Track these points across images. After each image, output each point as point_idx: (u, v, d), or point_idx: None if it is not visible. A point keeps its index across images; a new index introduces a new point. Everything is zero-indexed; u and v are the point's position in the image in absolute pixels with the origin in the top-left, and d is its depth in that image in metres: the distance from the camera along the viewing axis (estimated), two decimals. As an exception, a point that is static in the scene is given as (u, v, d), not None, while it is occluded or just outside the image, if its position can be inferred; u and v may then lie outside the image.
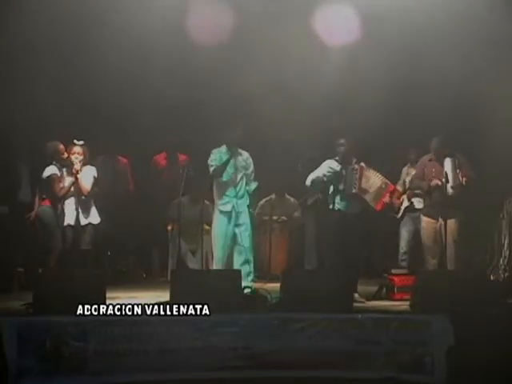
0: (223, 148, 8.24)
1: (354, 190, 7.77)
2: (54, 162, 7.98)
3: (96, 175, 8.13)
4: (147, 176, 10.04)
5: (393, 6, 8.54)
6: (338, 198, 7.77)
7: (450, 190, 7.91)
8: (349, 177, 7.81)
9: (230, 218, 8.18)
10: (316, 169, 7.98)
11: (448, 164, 8.08)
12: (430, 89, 8.96)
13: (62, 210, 7.94)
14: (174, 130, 9.95)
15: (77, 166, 7.92)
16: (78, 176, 7.94)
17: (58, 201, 7.95)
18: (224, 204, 8.20)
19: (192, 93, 9.51)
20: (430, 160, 8.26)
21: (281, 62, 9.06)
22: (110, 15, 8.39)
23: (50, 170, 7.95)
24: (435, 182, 8.05)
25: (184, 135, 9.90)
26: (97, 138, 8.86)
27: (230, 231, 8.18)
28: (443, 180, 7.87)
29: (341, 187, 7.79)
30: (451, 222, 7.95)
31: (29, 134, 8.76)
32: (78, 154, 7.99)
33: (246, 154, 8.32)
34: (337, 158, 7.95)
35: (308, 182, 8.01)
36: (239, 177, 8.22)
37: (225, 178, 8.18)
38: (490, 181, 8.62)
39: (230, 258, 8.20)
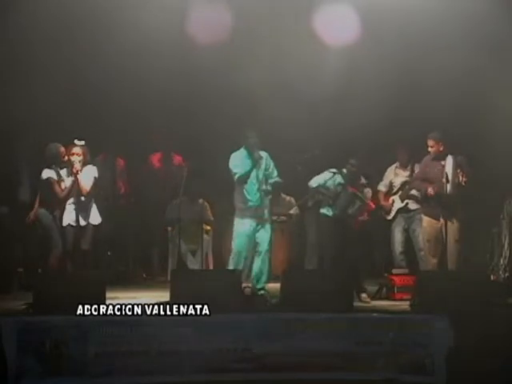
0: (243, 152, 8.17)
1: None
2: (52, 166, 7.93)
3: (96, 175, 8.10)
4: (143, 176, 10.03)
5: (393, 6, 8.54)
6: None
7: (450, 190, 7.91)
8: (343, 199, 7.98)
9: (251, 220, 8.10)
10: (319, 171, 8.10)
11: (449, 163, 8.07)
12: (431, 89, 8.95)
13: (63, 210, 7.93)
14: (173, 130, 9.94)
15: (77, 166, 7.90)
16: (78, 176, 7.93)
17: (55, 203, 7.92)
18: (246, 206, 8.13)
19: (192, 93, 9.51)
20: (433, 159, 8.26)
21: (281, 62, 9.05)
22: (109, 15, 8.39)
23: (47, 174, 7.90)
24: (432, 189, 8.07)
25: (184, 135, 9.89)
26: (96, 138, 8.84)
27: (250, 233, 8.10)
28: (444, 180, 7.87)
29: (331, 203, 8.02)
30: (451, 222, 7.95)
31: (29, 134, 8.75)
32: (77, 154, 7.96)
33: (264, 154, 8.21)
34: (343, 171, 8.12)
35: (312, 184, 8.18)
36: (261, 179, 8.14)
37: (248, 180, 8.12)
38: (490, 181, 8.62)
39: (247, 261, 8.16)
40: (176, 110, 9.71)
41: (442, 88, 8.93)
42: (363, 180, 8.29)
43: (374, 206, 8.32)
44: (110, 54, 8.66)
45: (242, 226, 8.15)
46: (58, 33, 8.59)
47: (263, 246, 8.13)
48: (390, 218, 9.15)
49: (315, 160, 8.38)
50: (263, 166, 8.18)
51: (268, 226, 8.20)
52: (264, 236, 8.14)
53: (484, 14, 8.38)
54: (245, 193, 8.16)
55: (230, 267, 8.12)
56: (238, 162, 8.16)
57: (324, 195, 8.15)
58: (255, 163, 8.09)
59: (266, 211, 8.20)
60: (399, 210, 9.05)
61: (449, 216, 7.86)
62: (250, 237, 8.12)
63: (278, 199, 9.93)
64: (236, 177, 8.12)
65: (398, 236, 9.10)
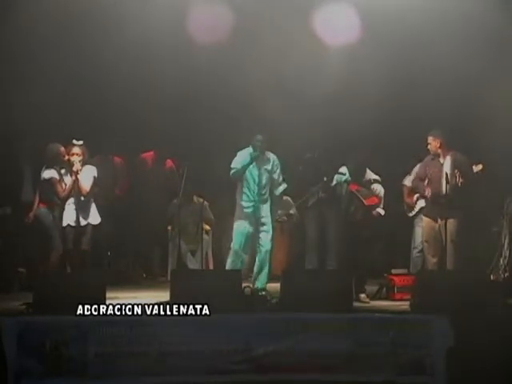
0: (247, 150, 8.21)
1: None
2: (54, 166, 7.96)
3: (96, 175, 8.12)
4: (143, 176, 10.01)
5: (393, 7, 8.55)
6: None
7: (448, 190, 7.91)
8: (346, 198, 8.03)
9: (250, 220, 8.13)
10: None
11: (448, 163, 8.09)
12: (431, 88, 8.96)
13: (62, 210, 7.95)
14: (172, 130, 9.93)
15: (77, 166, 7.92)
16: (78, 176, 7.94)
17: (57, 202, 7.95)
18: (246, 206, 8.16)
19: (192, 93, 9.51)
20: (433, 159, 8.28)
21: (281, 62, 9.04)
22: (108, 16, 8.40)
23: (50, 174, 7.94)
24: (430, 188, 8.07)
25: (183, 135, 9.89)
26: (95, 138, 8.85)
27: (249, 232, 8.13)
28: (443, 181, 7.88)
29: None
30: (450, 222, 7.95)
31: (31, 135, 8.76)
32: (77, 154, 7.98)
33: (272, 157, 8.28)
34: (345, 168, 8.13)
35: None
36: (264, 180, 8.19)
37: (249, 179, 8.14)
38: (490, 181, 8.62)
39: (245, 260, 8.20)
40: (175, 111, 9.70)
41: (442, 88, 8.95)
42: (372, 176, 8.23)
43: (374, 202, 8.23)
44: (108, 55, 8.67)
45: (240, 226, 8.16)
46: (56, 33, 8.60)
47: (264, 246, 8.15)
48: (411, 214, 9.13)
49: (316, 160, 8.36)
50: (268, 168, 8.21)
51: (269, 227, 8.21)
52: (265, 236, 8.15)
53: (484, 14, 8.39)
54: (245, 192, 8.17)
55: (228, 267, 8.14)
56: (238, 158, 8.20)
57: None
58: (253, 161, 8.10)
59: (266, 212, 8.21)
60: (421, 209, 8.99)
61: (448, 216, 7.86)
62: (248, 236, 8.14)
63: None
64: (231, 172, 8.15)
65: (418, 233, 9.05)
